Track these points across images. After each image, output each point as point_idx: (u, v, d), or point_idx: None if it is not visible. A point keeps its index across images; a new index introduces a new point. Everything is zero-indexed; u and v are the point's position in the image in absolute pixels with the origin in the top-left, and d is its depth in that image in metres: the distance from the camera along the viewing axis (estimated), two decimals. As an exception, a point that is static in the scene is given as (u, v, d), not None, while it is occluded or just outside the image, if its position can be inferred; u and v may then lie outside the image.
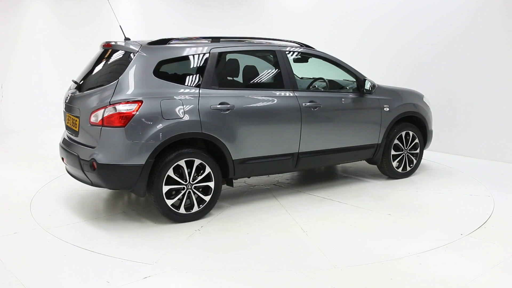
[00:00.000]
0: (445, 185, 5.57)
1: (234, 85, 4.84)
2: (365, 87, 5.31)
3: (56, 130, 7.03)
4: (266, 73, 5.12)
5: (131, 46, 4.38)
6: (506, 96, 6.72)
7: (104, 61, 4.63)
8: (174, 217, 4.30)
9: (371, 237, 4.05)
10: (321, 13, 9.12)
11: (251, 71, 4.97)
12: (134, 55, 4.25)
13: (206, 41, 4.72)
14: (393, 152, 5.63)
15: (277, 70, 4.93)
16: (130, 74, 4.15)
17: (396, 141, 5.62)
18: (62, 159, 4.70)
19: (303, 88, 5.18)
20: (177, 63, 4.46)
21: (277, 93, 4.82)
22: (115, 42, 4.66)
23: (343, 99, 5.24)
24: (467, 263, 3.52)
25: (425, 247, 3.76)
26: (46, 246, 3.85)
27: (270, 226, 4.28)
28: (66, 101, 4.68)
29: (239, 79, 4.98)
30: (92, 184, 4.29)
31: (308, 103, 4.91)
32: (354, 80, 5.44)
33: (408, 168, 5.83)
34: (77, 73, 4.93)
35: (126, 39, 4.76)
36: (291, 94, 4.85)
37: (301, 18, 9.47)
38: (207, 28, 10.16)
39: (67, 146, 4.57)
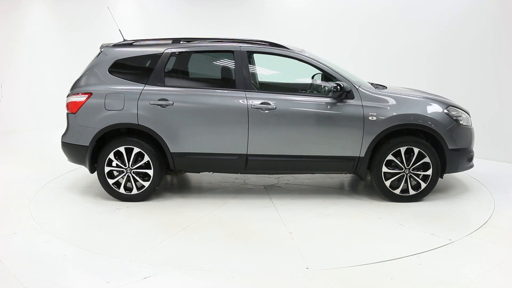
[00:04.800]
0: (445, 185, 5.56)
1: (182, 84, 5.04)
2: (338, 90, 4.70)
3: (56, 130, 7.03)
4: (218, 73, 5.25)
5: (101, 48, 5.06)
6: (506, 96, 6.72)
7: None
8: (114, 195, 4.97)
9: (231, 247, 3.83)
10: (321, 13, 9.12)
11: (202, 71, 5.32)
12: (98, 54, 5.01)
13: (166, 42, 5.09)
14: (385, 169, 4.82)
15: (231, 70, 5.00)
16: (90, 70, 5.00)
17: (390, 157, 4.79)
18: None
19: (261, 89, 5.11)
20: (132, 62, 5.02)
21: (225, 92, 4.87)
22: (107, 43, 5.12)
23: (309, 103, 4.84)
24: (467, 263, 3.52)
25: (425, 247, 3.76)
26: (46, 246, 3.85)
27: (174, 220, 4.41)
28: None
29: (189, 78, 5.26)
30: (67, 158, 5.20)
31: (260, 105, 4.78)
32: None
33: (412, 192, 4.86)
34: (78, 73, 5.26)
35: (125, 40, 5.20)
36: (241, 94, 4.83)
37: (301, 18, 9.46)
38: (207, 29, 10.16)
39: None
